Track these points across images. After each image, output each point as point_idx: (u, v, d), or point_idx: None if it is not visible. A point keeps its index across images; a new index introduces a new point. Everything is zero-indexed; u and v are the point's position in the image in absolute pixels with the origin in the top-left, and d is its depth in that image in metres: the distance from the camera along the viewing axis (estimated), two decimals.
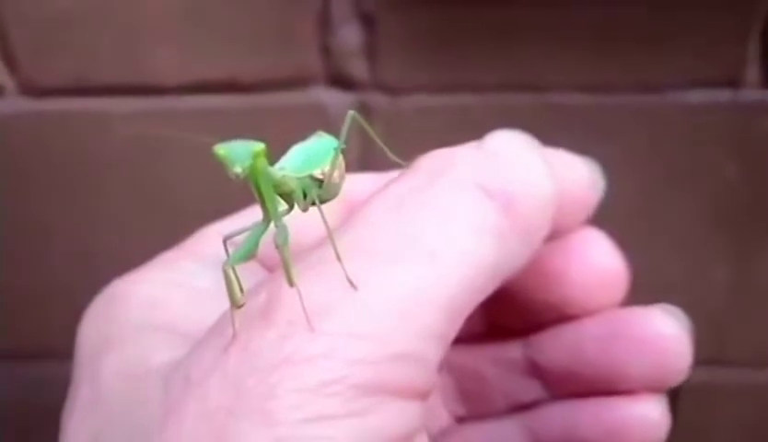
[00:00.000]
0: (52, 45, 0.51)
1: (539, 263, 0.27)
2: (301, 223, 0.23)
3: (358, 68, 0.50)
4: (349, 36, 0.49)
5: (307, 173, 0.23)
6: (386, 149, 0.26)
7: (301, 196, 0.23)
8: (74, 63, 0.51)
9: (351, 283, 0.19)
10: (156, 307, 0.24)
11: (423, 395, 0.20)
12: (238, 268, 0.22)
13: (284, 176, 0.22)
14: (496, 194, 0.22)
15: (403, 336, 0.19)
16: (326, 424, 0.18)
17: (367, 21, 0.49)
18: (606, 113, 0.49)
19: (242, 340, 0.19)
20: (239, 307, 0.20)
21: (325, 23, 0.49)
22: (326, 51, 0.50)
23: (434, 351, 0.20)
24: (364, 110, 0.50)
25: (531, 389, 0.29)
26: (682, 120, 0.48)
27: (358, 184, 0.26)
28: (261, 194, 0.22)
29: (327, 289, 0.20)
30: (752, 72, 0.47)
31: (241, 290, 0.22)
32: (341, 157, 0.24)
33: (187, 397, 0.19)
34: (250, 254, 0.22)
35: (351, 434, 0.18)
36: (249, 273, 0.23)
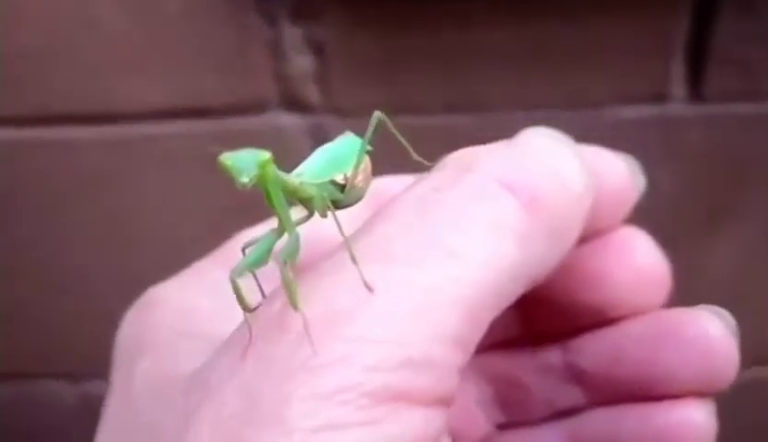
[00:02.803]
0: (16, 76, 0.51)
1: (577, 264, 0.25)
2: (323, 227, 0.21)
3: (311, 93, 0.51)
4: (301, 63, 0.50)
5: (327, 178, 0.22)
6: (410, 149, 0.24)
7: (320, 203, 0.21)
8: (38, 93, 0.51)
9: (367, 286, 0.18)
10: (186, 314, 0.24)
11: (443, 401, 0.19)
12: (258, 273, 0.21)
13: (301, 183, 0.21)
14: (520, 191, 0.20)
15: (421, 340, 0.18)
16: (340, 432, 0.17)
17: (318, 49, 0.49)
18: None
19: (258, 347, 0.19)
20: (251, 311, 0.20)
21: (278, 51, 0.49)
22: (280, 77, 0.50)
23: (453, 355, 0.19)
24: (318, 131, 0.51)
25: (573, 395, 0.27)
26: (615, 134, 0.49)
27: (385, 186, 0.24)
28: (272, 204, 0.20)
29: (343, 294, 0.18)
30: (678, 88, 0.49)
31: (264, 296, 0.21)
32: (366, 160, 0.22)
33: (204, 404, 0.18)
34: (259, 262, 0.21)
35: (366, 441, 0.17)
36: (271, 278, 0.22)
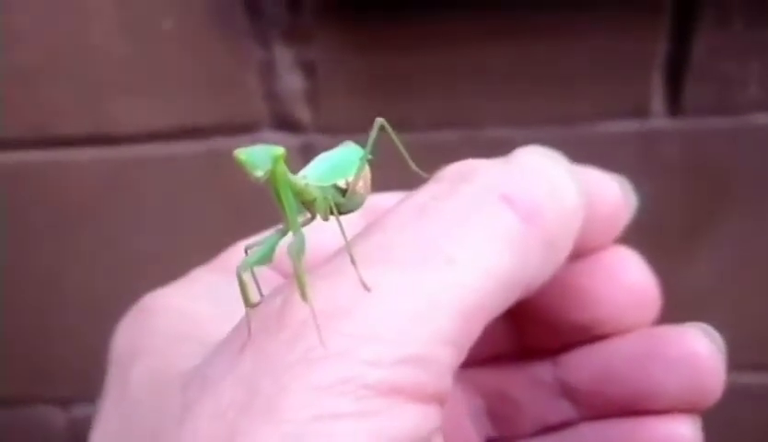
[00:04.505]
0: (11, 98, 0.51)
1: (569, 282, 0.25)
2: (323, 233, 0.22)
3: (302, 112, 0.51)
4: (292, 83, 0.50)
5: (330, 182, 0.22)
6: (409, 161, 0.24)
7: (323, 205, 0.22)
8: (33, 116, 0.51)
9: (364, 285, 0.19)
10: (184, 318, 0.24)
11: (436, 399, 0.19)
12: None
13: (306, 184, 0.21)
14: (518, 204, 0.20)
15: (418, 339, 0.18)
16: (336, 423, 0.17)
17: (308, 69, 0.50)
18: (530, 145, 0.51)
19: (257, 341, 0.19)
20: (253, 307, 0.20)
21: (270, 72, 0.50)
22: (272, 97, 0.51)
23: (448, 355, 0.19)
24: (309, 150, 0.51)
25: (562, 410, 0.27)
26: (596, 148, 0.50)
27: (382, 201, 0.25)
28: (280, 201, 0.21)
29: (342, 293, 0.19)
30: (657, 102, 0.50)
31: (262, 296, 0.21)
32: (366, 168, 0.23)
33: (203, 396, 0.19)
34: (264, 259, 0.21)
35: (361, 433, 0.17)
36: (266, 282, 0.23)
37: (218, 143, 0.52)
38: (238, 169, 0.20)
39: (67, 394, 0.61)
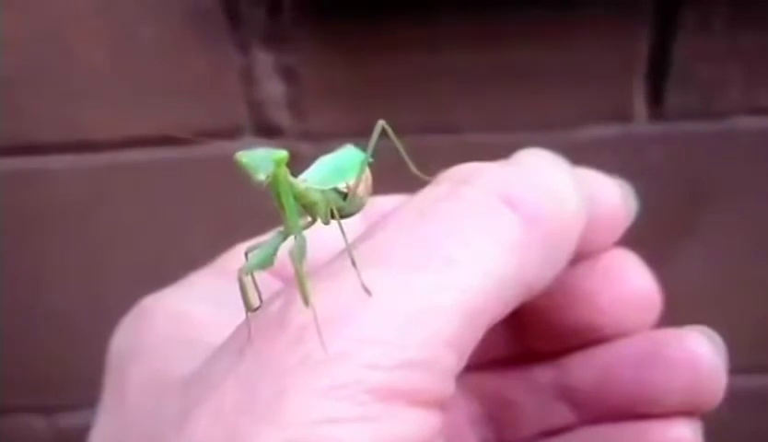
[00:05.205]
0: None
1: (569, 284, 0.25)
2: (324, 236, 0.21)
3: (283, 118, 0.51)
4: (273, 89, 0.50)
5: (330, 186, 0.22)
6: (410, 163, 0.24)
7: (324, 209, 0.21)
8: (12, 124, 0.51)
9: (365, 289, 0.18)
10: (181, 321, 0.24)
11: (439, 403, 0.19)
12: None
13: (307, 188, 0.21)
14: (519, 206, 0.20)
15: (418, 342, 0.18)
16: (336, 427, 0.17)
17: (289, 75, 0.50)
18: (515, 150, 0.51)
19: (257, 344, 0.19)
20: (254, 310, 0.20)
21: (250, 78, 0.50)
22: (252, 103, 0.50)
23: (449, 358, 0.19)
24: (291, 157, 0.51)
25: (562, 414, 0.27)
26: (580, 153, 0.50)
27: (383, 204, 0.25)
28: (281, 204, 0.20)
29: (342, 296, 0.19)
30: (639, 107, 0.50)
31: (261, 300, 0.21)
32: (367, 171, 0.23)
33: (203, 398, 0.19)
34: (266, 263, 0.21)
35: (361, 438, 0.17)
36: (265, 286, 0.22)
37: (199, 150, 0.51)
38: (240, 173, 0.20)
39: (49, 403, 0.60)
